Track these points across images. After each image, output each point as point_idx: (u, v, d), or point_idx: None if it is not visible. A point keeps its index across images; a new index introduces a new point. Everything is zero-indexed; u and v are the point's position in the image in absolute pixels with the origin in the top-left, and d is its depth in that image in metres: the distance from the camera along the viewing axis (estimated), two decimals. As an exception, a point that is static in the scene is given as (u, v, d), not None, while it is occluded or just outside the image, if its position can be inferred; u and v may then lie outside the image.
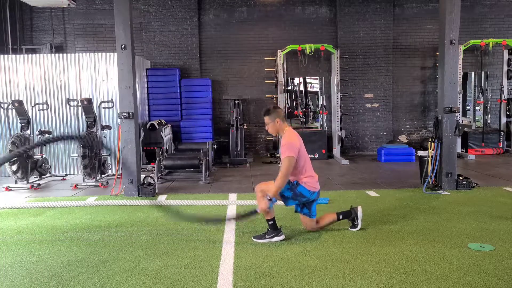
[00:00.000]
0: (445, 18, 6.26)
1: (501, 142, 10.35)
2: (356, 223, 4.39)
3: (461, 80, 10.02)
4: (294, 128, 4.43)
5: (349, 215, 4.41)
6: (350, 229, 4.40)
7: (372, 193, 6.31)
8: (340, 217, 4.40)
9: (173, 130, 9.58)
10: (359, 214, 4.38)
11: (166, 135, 8.97)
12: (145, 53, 10.62)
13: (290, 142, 4.08)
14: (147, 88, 9.91)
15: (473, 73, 11.07)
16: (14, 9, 10.29)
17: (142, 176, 6.65)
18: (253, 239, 4.20)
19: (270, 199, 4.01)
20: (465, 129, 9.91)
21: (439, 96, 6.61)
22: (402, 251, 3.81)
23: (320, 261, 3.60)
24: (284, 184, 4.07)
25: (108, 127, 7.88)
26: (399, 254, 3.72)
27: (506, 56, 10.45)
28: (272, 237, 4.15)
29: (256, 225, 4.63)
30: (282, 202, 4.27)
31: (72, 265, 3.63)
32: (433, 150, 6.40)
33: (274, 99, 10.32)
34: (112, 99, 8.12)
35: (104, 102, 8.03)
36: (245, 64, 10.90)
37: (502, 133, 10.38)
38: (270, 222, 4.16)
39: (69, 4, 8.49)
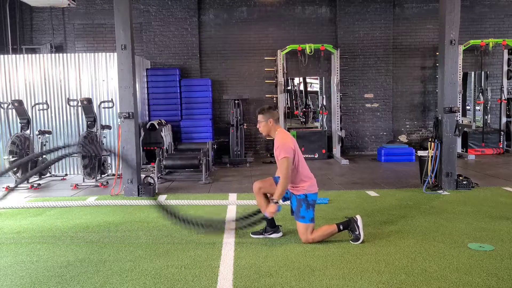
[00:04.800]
0: (445, 18, 6.26)
1: (501, 142, 10.35)
2: (357, 233, 4.00)
3: (461, 80, 10.02)
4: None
5: (348, 225, 4.06)
6: (352, 243, 4.01)
7: (372, 193, 6.31)
8: (341, 227, 4.06)
9: (173, 130, 9.58)
10: (359, 223, 4.02)
11: (166, 135, 8.97)
12: (145, 53, 10.62)
13: (284, 143, 4.02)
14: (147, 88, 9.91)
15: (473, 73, 11.07)
16: (14, 9, 10.29)
17: (142, 176, 6.65)
18: (251, 236, 4.28)
19: (277, 203, 3.98)
20: (465, 129, 9.91)
21: (439, 96, 6.61)
22: (402, 251, 3.81)
23: (320, 261, 3.60)
24: (287, 185, 3.99)
25: (108, 127, 7.88)
26: (399, 254, 3.72)
27: (506, 56, 10.45)
28: (271, 233, 4.24)
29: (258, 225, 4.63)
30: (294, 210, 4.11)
31: (72, 265, 3.63)
32: (433, 150, 6.40)
33: (274, 99, 10.31)
34: (112, 99, 8.12)
35: (104, 102, 8.03)
36: (245, 64, 10.90)
37: (502, 133, 10.37)
38: (269, 221, 4.24)
39: (69, 4, 8.48)
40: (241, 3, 10.84)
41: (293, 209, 4.15)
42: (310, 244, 4.03)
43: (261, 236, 4.25)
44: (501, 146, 10.33)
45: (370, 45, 10.83)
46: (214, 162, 9.48)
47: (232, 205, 5.73)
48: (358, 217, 4.08)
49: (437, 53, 7.07)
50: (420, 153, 6.93)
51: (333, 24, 10.95)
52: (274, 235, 4.24)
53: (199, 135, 9.78)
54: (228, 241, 4.20)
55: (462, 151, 10.23)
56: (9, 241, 4.34)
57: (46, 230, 4.72)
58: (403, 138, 11.29)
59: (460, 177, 6.43)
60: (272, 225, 4.26)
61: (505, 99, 10.41)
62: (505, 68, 10.48)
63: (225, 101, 10.71)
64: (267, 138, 4.28)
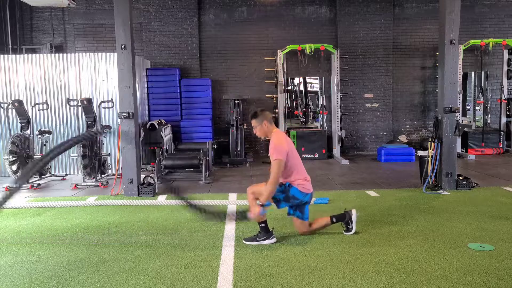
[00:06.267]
0: (445, 18, 6.26)
1: (501, 142, 10.35)
2: (350, 227, 4.27)
3: (461, 80, 10.02)
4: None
5: (343, 218, 4.29)
6: (344, 233, 4.28)
7: (372, 193, 6.31)
8: (334, 220, 4.28)
9: (173, 130, 9.58)
10: (354, 217, 4.27)
11: (166, 135, 8.97)
12: (145, 53, 10.61)
13: (278, 145, 4.04)
14: (147, 88, 9.90)
15: (473, 73, 11.07)
16: (14, 9, 10.29)
17: (142, 176, 6.64)
18: (244, 242, 4.14)
19: (262, 205, 3.93)
20: (465, 129, 9.91)
21: (439, 96, 6.61)
22: (402, 251, 3.81)
23: (320, 261, 3.60)
24: (275, 190, 4.00)
25: (108, 127, 7.88)
26: (399, 254, 3.72)
27: (506, 56, 10.45)
28: (264, 239, 4.09)
29: (257, 226, 4.62)
30: (274, 205, 4.22)
31: (72, 265, 3.63)
32: (433, 150, 6.39)
33: (274, 99, 10.32)
34: (112, 99, 8.12)
35: (104, 102, 8.02)
36: (245, 64, 10.90)
37: (502, 133, 10.37)
38: (262, 225, 4.10)
39: (69, 4, 8.49)
40: (241, 3, 10.84)
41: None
42: (310, 244, 4.03)
43: (254, 243, 4.08)
44: (501, 146, 10.33)
45: (370, 45, 10.83)
46: (214, 162, 9.47)
47: (232, 205, 5.73)
48: (353, 212, 4.30)
49: (437, 53, 7.07)
50: (420, 153, 6.93)
51: (333, 24, 10.95)
52: (267, 242, 4.08)
53: (199, 135, 9.78)
54: (228, 241, 4.20)
55: (462, 151, 10.22)
56: (9, 241, 4.34)
57: (46, 230, 4.72)
58: (403, 138, 11.29)
59: (460, 177, 6.43)
60: (265, 230, 4.11)
61: (505, 99, 10.41)
62: (505, 68, 10.47)
63: (225, 101, 10.71)
64: (267, 138, 4.30)
